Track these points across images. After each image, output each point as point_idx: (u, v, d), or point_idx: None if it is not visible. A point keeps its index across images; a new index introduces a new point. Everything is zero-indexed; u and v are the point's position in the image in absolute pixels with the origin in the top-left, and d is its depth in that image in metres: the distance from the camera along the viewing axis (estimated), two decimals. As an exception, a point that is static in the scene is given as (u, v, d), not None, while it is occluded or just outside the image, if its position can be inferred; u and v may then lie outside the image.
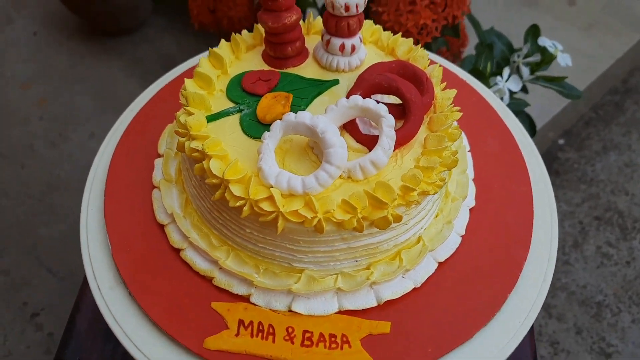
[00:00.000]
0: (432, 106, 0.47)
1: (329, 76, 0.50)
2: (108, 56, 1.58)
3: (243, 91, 0.48)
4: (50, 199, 1.28)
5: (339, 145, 0.41)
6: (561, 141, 1.47)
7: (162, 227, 0.49)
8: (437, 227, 0.48)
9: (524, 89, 0.77)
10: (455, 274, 0.47)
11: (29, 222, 1.25)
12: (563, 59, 0.76)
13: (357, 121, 0.45)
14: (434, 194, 0.43)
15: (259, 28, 0.51)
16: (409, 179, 0.42)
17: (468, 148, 0.54)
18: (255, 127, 0.46)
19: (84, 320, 0.57)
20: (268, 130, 0.43)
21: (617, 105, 1.52)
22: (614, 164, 1.40)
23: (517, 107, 0.73)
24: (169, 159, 0.52)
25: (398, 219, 0.41)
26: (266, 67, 0.50)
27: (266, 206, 0.41)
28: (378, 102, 0.44)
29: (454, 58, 0.92)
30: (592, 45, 1.50)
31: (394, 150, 0.43)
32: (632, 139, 1.45)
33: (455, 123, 0.46)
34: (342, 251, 0.44)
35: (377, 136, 0.44)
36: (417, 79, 0.47)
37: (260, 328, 0.45)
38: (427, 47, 0.71)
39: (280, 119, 0.45)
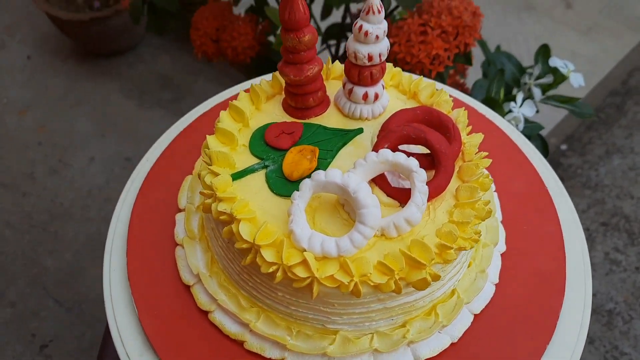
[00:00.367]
0: (461, 153, 0.46)
1: (352, 125, 0.49)
2: (104, 78, 1.57)
3: (267, 145, 0.47)
4: (54, 228, 1.27)
5: (373, 205, 0.40)
6: (564, 147, 1.46)
7: (187, 287, 0.48)
8: (470, 277, 0.47)
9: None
10: (492, 325, 0.46)
11: (34, 252, 1.23)
12: (576, 80, 0.75)
13: (386, 173, 0.44)
14: (470, 249, 0.42)
15: (278, 77, 0.50)
16: (446, 236, 0.41)
17: (494, 188, 0.53)
18: (282, 185, 0.44)
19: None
20: (296, 188, 0.42)
21: (618, 107, 1.52)
22: (618, 168, 1.40)
23: (532, 131, 0.72)
24: (191, 214, 0.50)
25: (436, 278, 0.40)
26: (287, 118, 0.49)
27: (300, 272, 0.39)
28: (407, 154, 0.43)
29: (457, 74, 0.91)
30: (592, 49, 1.50)
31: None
32: (635, 141, 1.44)
33: (484, 170, 0.45)
34: (377, 311, 0.43)
35: (408, 189, 0.43)
36: (444, 126, 0.46)
37: (296, 392, 0.43)
38: (439, 75, 0.70)
39: (307, 175, 0.44)
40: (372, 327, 0.44)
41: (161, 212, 0.52)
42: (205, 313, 0.47)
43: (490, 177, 0.44)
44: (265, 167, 0.46)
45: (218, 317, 0.46)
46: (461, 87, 0.80)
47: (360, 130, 0.48)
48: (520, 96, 0.70)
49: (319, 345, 0.43)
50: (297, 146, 0.46)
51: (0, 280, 1.20)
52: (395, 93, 0.51)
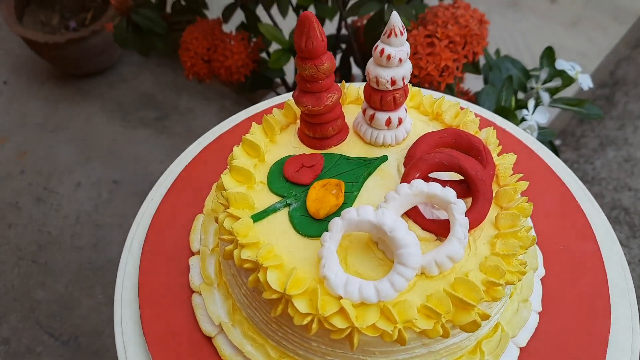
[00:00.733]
0: (495, 177, 0.43)
1: (375, 153, 0.45)
2: (84, 100, 1.52)
3: (286, 181, 0.43)
4: (43, 259, 1.23)
5: (413, 244, 0.37)
6: (557, 142, 1.45)
7: (209, 339, 0.44)
8: (513, 308, 0.44)
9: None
10: (540, 358, 0.43)
11: (24, 285, 1.19)
12: (584, 82, 0.73)
13: (419, 205, 0.41)
14: (518, 282, 0.39)
15: (292, 105, 0.46)
16: (492, 271, 0.38)
17: (524, 207, 0.50)
18: (308, 225, 0.41)
19: None
20: (323, 227, 0.39)
21: (608, 99, 1.51)
22: (614, 160, 1.39)
23: (544, 138, 0.70)
24: (206, 257, 0.47)
25: (486, 317, 0.37)
26: (305, 149, 0.45)
27: (338, 322, 0.36)
28: (440, 182, 0.40)
29: (458, 81, 0.88)
30: (578, 42, 1.49)
31: (464, 235, 0.39)
32: (628, 132, 1.44)
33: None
34: (422, 356, 0.39)
35: (444, 220, 0.40)
36: (474, 149, 0.43)
37: None
38: (448, 87, 0.67)
39: (335, 212, 0.41)
40: (416, 371, 0.41)
41: (172, 257, 0.48)
42: (231, 366, 0.43)
43: (530, 202, 0.41)
44: (288, 205, 0.42)
45: (246, 371, 0.43)
46: (466, 96, 0.77)
47: (384, 158, 0.45)
48: (531, 103, 0.67)
49: (359, 396, 0.40)
50: (319, 180, 0.43)
51: (-9, 317, 1.15)
52: (416, 115, 0.48)
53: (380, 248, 0.40)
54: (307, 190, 0.43)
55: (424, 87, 0.62)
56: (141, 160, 1.38)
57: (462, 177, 0.42)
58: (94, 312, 1.17)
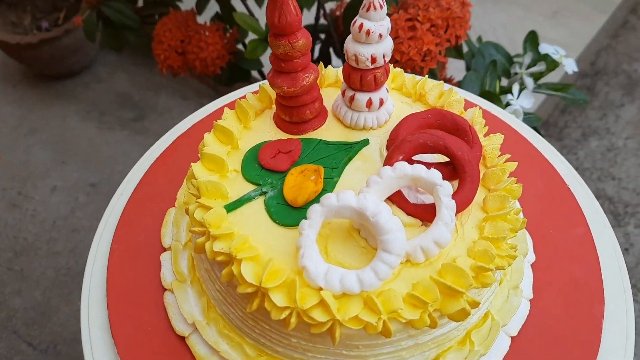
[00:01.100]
0: (482, 158, 0.41)
1: (356, 136, 0.43)
2: (59, 101, 1.49)
3: (262, 169, 0.40)
4: (19, 266, 1.19)
5: (397, 230, 0.34)
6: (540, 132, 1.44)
7: (182, 339, 0.41)
8: (503, 295, 0.41)
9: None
10: (532, 346, 0.41)
11: (0, 293, 1.15)
12: (569, 65, 0.71)
13: (402, 189, 0.39)
14: (508, 267, 0.37)
15: (266, 89, 0.44)
16: (481, 256, 0.35)
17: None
18: (285, 213, 0.38)
19: None
20: (302, 215, 0.36)
21: (589, 89, 1.51)
22: (597, 150, 1.39)
23: (530, 123, 0.68)
24: (178, 253, 0.44)
25: (475, 305, 0.35)
26: (282, 135, 0.43)
27: (318, 315, 0.33)
28: (425, 165, 0.37)
29: (440, 68, 0.86)
30: (559, 32, 1.49)
31: (451, 219, 0.37)
32: (609, 121, 1.44)
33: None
34: (408, 349, 0.37)
35: (430, 204, 0.38)
36: (460, 129, 0.40)
37: None
38: (431, 72, 0.65)
39: (314, 199, 0.38)
40: (403, 365, 0.38)
41: (143, 253, 0.45)
42: (207, 367, 0.40)
43: (519, 183, 0.39)
44: (263, 193, 0.39)
45: (222, 371, 0.40)
46: (449, 82, 0.75)
47: (366, 142, 0.42)
48: (516, 88, 0.65)
49: (344, 394, 0.38)
50: (297, 166, 0.40)
51: (-34, 329, 1.12)
52: (399, 97, 0.46)
53: (362, 235, 0.37)
54: (284, 177, 0.40)
55: (406, 73, 0.60)
56: (119, 161, 1.35)
57: (447, 159, 0.40)
58: (73, 319, 1.13)
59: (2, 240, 1.24)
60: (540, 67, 0.70)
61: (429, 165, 0.38)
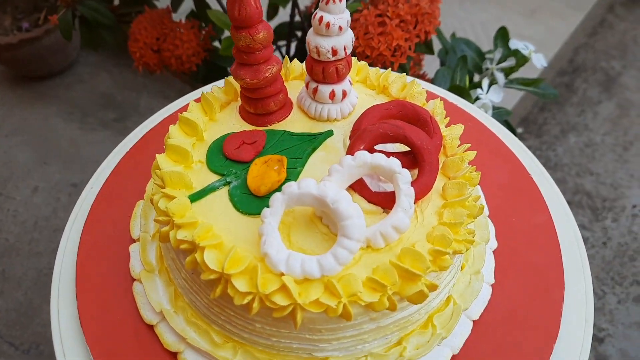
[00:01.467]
0: (442, 147, 0.42)
1: (320, 128, 0.44)
2: (40, 102, 1.48)
3: (226, 159, 0.41)
4: (0, 267, 1.18)
5: (356, 216, 0.35)
6: (520, 130, 1.46)
7: (151, 327, 0.42)
8: (465, 280, 0.43)
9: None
10: (494, 330, 0.42)
11: (-19, 294, 1.15)
12: (538, 60, 0.73)
13: (364, 177, 0.40)
14: (466, 251, 0.38)
15: (232, 82, 0.44)
16: (439, 241, 0.36)
17: (476, 181, 0.49)
18: (249, 202, 0.39)
19: None
20: (265, 204, 0.37)
21: (568, 86, 1.53)
22: (575, 146, 1.41)
23: (500, 117, 0.69)
24: (146, 244, 0.44)
25: (433, 288, 0.36)
26: (247, 126, 0.44)
27: (280, 299, 0.34)
28: (386, 154, 0.38)
29: (415, 65, 0.87)
30: (538, 30, 1.51)
31: (411, 206, 0.38)
32: (588, 118, 1.46)
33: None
34: (370, 332, 0.38)
35: (390, 192, 0.39)
36: (421, 120, 0.41)
37: None
38: (402, 67, 0.66)
39: (277, 189, 0.39)
40: (365, 349, 0.39)
41: (112, 244, 0.46)
42: (174, 355, 0.41)
43: (477, 171, 0.40)
44: (227, 183, 0.40)
45: (189, 358, 0.40)
46: (423, 78, 0.77)
47: (330, 133, 0.43)
48: (485, 82, 0.67)
49: (308, 378, 0.38)
50: (261, 157, 0.41)
51: (-54, 330, 1.12)
52: (363, 89, 0.47)
53: (324, 223, 0.38)
54: (248, 168, 0.41)
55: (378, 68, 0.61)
56: (101, 162, 1.35)
57: (408, 149, 0.41)
58: (55, 319, 1.13)
59: (-17, 241, 1.24)
60: (510, 62, 0.72)
61: (389, 154, 0.39)
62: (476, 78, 0.78)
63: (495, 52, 0.73)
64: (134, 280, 0.44)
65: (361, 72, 0.47)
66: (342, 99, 0.43)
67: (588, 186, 1.33)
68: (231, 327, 0.39)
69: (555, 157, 1.39)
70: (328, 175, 0.38)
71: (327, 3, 0.39)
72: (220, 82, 0.59)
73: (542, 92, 0.76)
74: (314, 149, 0.42)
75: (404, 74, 0.45)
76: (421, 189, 0.38)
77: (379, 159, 0.37)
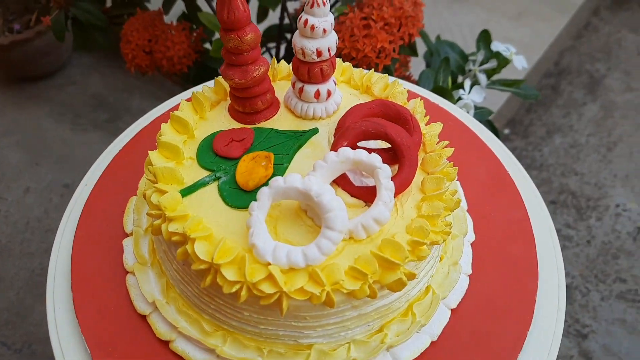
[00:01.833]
0: (422, 144, 0.44)
1: (306, 125, 0.46)
2: (32, 103, 1.49)
3: (216, 156, 0.43)
4: (-7, 267, 1.19)
5: (339, 208, 0.37)
6: (506, 131, 1.49)
7: (143, 317, 0.44)
8: (443, 271, 0.45)
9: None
10: (471, 318, 0.44)
11: (-26, 294, 1.16)
12: (519, 62, 0.75)
13: (347, 172, 0.42)
14: (443, 242, 0.40)
15: (221, 82, 0.46)
16: (417, 232, 0.38)
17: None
18: (237, 196, 0.41)
19: None
20: (253, 198, 0.39)
21: (553, 88, 1.56)
22: (560, 147, 1.43)
23: (482, 116, 0.72)
24: (139, 238, 0.46)
25: (412, 277, 0.38)
26: (236, 124, 0.46)
27: (266, 287, 0.36)
28: (368, 150, 0.40)
29: (401, 67, 0.90)
30: (524, 33, 1.53)
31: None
32: (573, 119, 1.48)
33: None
34: (353, 319, 0.40)
35: (372, 187, 0.41)
36: (402, 118, 0.44)
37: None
38: (386, 69, 0.68)
39: (264, 184, 0.41)
40: (348, 336, 0.41)
41: (106, 239, 0.48)
42: (166, 343, 0.43)
43: (455, 166, 0.42)
44: (217, 179, 0.42)
45: (180, 346, 0.42)
46: (408, 80, 0.79)
47: (315, 131, 0.45)
48: (467, 83, 0.69)
49: (294, 364, 0.40)
50: (249, 153, 0.43)
51: (-61, 329, 1.12)
52: (347, 89, 0.49)
53: (309, 215, 0.40)
54: (236, 164, 0.43)
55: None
56: (93, 163, 1.36)
57: (389, 146, 0.43)
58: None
59: (-25, 242, 1.24)
60: (492, 64, 0.74)
61: (371, 150, 0.41)
62: (460, 79, 0.81)
63: (478, 54, 0.75)
64: (127, 272, 0.46)
65: (345, 72, 0.49)
66: (326, 98, 0.45)
67: (573, 186, 1.35)
68: (220, 315, 0.41)
69: (541, 158, 1.41)
70: (313, 170, 0.40)
71: (312, 6, 0.41)
72: (211, 83, 0.61)
73: (523, 92, 0.78)
74: (299, 146, 0.44)
75: (387, 74, 0.47)
76: (401, 184, 0.41)
77: (360, 154, 0.40)
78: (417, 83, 0.78)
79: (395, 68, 0.72)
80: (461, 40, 1.50)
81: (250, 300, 0.38)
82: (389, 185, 0.39)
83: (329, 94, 0.45)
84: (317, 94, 0.45)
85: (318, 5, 0.41)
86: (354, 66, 0.60)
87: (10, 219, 1.28)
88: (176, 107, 0.58)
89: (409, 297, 0.42)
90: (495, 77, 0.81)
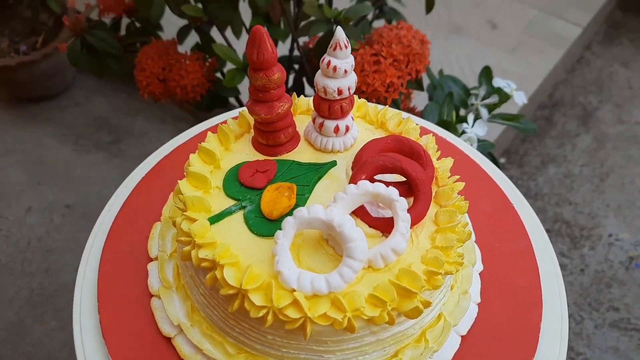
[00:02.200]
0: (435, 178, 0.47)
1: (325, 158, 0.49)
2: (36, 124, 1.51)
3: (241, 186, 0.46)
4: (-8, 286, 1.20)
5: (359, 239, 0.40)
6: (502, 160, 1.52)
7: (168, 339, 0.46)
8: (454, 299, 0.47)
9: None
10: (479, 344, 0.47)
11: (-28, 314, 1.16)
12: (519, 98, 0.79)
13: (365, 204, 0.44)
14: (456, 272, 0.42)
15: (246, 115, 0.49)
16: (432, 262, 0.41)
17: (464, 209, 0.54)
18: (262, 225, 0.43)
19: None
20: (277, 227, 0.41)
21: (547, 119, 1.60)
22: (554, 177, 1.46)
23: (484, 149, 0.75)
24: (164, 262, 0.48)
25: (427, 305, 0.40)
26: (259, 156, 0.48)
27: (292, 312, 0.38)
28: (385, 183, 0.43)
29: (406, 99, 0.93)
30: (519, 66, 1.58)
31: (407, 231, 0.42)
32: (567, 150, 1.52)
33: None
34: (370, 344, 0.42)
35: (389, 218, 0.43)
36: (415, 153, 0.46)
37: None
38: (394, 102, 0.71)
39: (288, 213, 0.44)
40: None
41: (130, 263, 0.50)
42: (190, 365, 0.45)
43: (465, 200, 0.45)
44: (243, 207, 0.45)
45: (204, 368, 0.44)
46: (412, 112, 0.82)
47: (334, 163, 0.48)
48: (471, 117, 0.72)
49: (313, 386, 0.42)
50: (273, 184, 0.46)
51: (-62, 348, 1.11)
52: (363, 124, 0.52)
53: (330, 244, 0.43)
54: (261, 194, 0.45)
55: (371, 103, 0.66)
56: (95, 183, 1.37)
57: (404, 179, 0.45)
58: (46, 338, 1.14)
59: (-25, 261, 1.25)
60: (494, 99, 0.77)
61: (388, 183, 0.44)
62: (462, 112, 0.84)
63: (480, 89, 0.79)
64: (152, 296, 0.48)
65: (361, 108, 0.52)
66: (345, 133, 0.48)
67: (567, 215, 1.38)
68: (245, 338, 0.43)
69: (535, 187, 1.44)
70: (334, 201, 0.43)
71: (334, 49, 0.44)
72: (225, 116, 0.64)
73: (522, 126, 0.82)
74: (319, 178, 0.47)
75: (400, 111, 0.50)
76: (416, 216, 0.43)
77: (379, 188, 0.42)
78: (421, 115, 0.81)
79: (401, 100, 0.75)
80: (459, 72, 1.54)
81: (275, 325, 0.40)
82: (406, 218, 0.42)
83: (347, 129, 0.48)
84: (337, 129, 0.48)
85: (340, 48, 0.44)
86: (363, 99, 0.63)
87: (11, 238, 1.29)
88: (194, 138, 0.60)
89: (423, 324, 0.44)
90: (496, 110, 0.84)
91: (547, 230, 1.33)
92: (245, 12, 0.92)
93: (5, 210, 1.34)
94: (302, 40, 0.91)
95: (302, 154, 0.49)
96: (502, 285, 0.50)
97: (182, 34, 0.91)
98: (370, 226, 0.44)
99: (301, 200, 0.45)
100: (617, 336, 1.14)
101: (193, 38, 0.94)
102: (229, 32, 0.90)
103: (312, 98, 0.50)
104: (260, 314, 0.39)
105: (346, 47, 0.44)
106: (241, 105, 1.02)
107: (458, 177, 0.47)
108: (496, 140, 1.45)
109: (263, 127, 0.46)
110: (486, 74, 0.81)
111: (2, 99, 1.55)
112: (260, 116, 0.45)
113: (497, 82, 0.79)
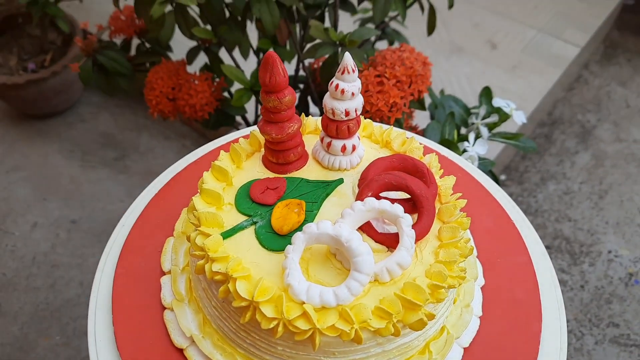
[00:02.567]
0: (438, 196, 0.49)
1: (332, 176, 0.51)
2: (42, 140, 1.52)
3: (253, 202, 0.48)
4: (-3, 301, 1.21)
5: (366, 253, 0.42)
6: (503, 177, 1.54)
7: (180, 351, 0.47)
8: (457, 313, 0.49)
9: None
10: (481, 357, 0.48)
11: (-23, 328, 1.16)
12: (518, 117, 0.81)
13: (371, 220, 0.46)
14: (459, 286, 0.44)
15: (256, 135, 0.51)
16: (436, 276, 0.43)
17: (466, 225, 0.56)
18: (273, 240, 0.45)
19: None
20: (287, 242, 0.43)
21: (547, 137, 1.62)
22: (554, 193, 1.48)
23: (485, 167, 0.77)
24: (177, 276, 0.50)
25: (431, 317, 0.42)
26: (269, 174, 0.50)
27: (301, 324, 0.40)
28: (390, 200, 0.45)
29: (408, 117, 0.95)
30: (519, 85, 1.60)
31: (412, 246, 0.44)
32: (566, 167, 1.54)
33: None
34: (376, 355, 0.44)
35: (394, 234, 0.45)
36: (419, 172, 0.48)
37: None
38: (397, 121, 0.73)
39: (297, 228, 0.46)
40: (371, 371, 0.45)
41: (144, 277, 0.52)
42: (202, 375, 0.46)
43: (467, 217, 0.47)
44: (254, 223, 0.47)
45: (216, 378, 0.46)
46: (414, 130, 0.85)
47: (340, 181, 0.50)
48: (472, 136, 0.74)
49: (321, 395, 0.44)
50: (283, 200, 0.48)
51: (-56, 364, 1.12)
52: (368, 143, 0.54)
53: (338, 259, 0.45)
54: (271, 210, 0.47)
55: (375, 122, 0.68)
56: (100, 199, 1.39)
57: (409, 196, 0.47)
58: (51, 354, 1.15)
59: (-19, 276, 1.25)
60: (494, 118, 0.80)
61: (393, 200, 0.46)
62: (462, 130, 0.86)
63: (480, 109, 0.81)
64: (165, 308, 0.50)
65: (367, 128, 0.54)
66: (351, 152, 0.50)
67: (566, 232, 1.39)
68: (255, 349, 0.45)
69: (535, 204, 1.46)
70: (341, 217, 0.44)
71: (342, 73, 0.46)
72: (233, 135, 0.66)
73: (522, 145, 0.84)
74: (327, 195, 0.49)
75: (404, 131, 0.52)
76: (420, 232, 0.45)
77: (385, 205, 0.44)
78: (423, 133, 0.83)
79: (404, 119, 0.77)
80: (459, 90, 1.57)
81: (285, 336, 0.41)
82: (411, 233, 0.43)
83: (353, 148, 0.50)
84: (344, 148, 0.50)
85: (348, 72, 0.46)
86: (366, 119, 0.65)
87: (16, 253, 1.30)
88: (205, 156, 0.63)
89: (427, 336, 0.46)
90: (496, 129, 0.86)
91: (547, 247, 1.35)
92: (253, 34, 0.95)
93: (11, 226, 1.35)
94: (307, 60, 0.94)
95: (310, 172, 0.51)
96: (503, 299, 0.52)
97: (192, 54, 0.94)
98: (376, 241, 0.46)
99: (310, 217, 0.47)
100: (617, 352, 1.15)
101: (202, 59, 0.97)
102: (236, 53, 0.93)
103: (319, 118, 0.52)
104: (271, 325, 0.40)
105: (354, 71, 0.46)
106: (247, 122, 1.05)
107: (460, 194, 0.49)
108: (496, 158, 1.47)
109: (273, 146, 0.48)
110: (486, 94, 0.83)
111: (10, 116, 1.58)
112: (271, 136, 0.47)
113: (497, 102, 0.82)
